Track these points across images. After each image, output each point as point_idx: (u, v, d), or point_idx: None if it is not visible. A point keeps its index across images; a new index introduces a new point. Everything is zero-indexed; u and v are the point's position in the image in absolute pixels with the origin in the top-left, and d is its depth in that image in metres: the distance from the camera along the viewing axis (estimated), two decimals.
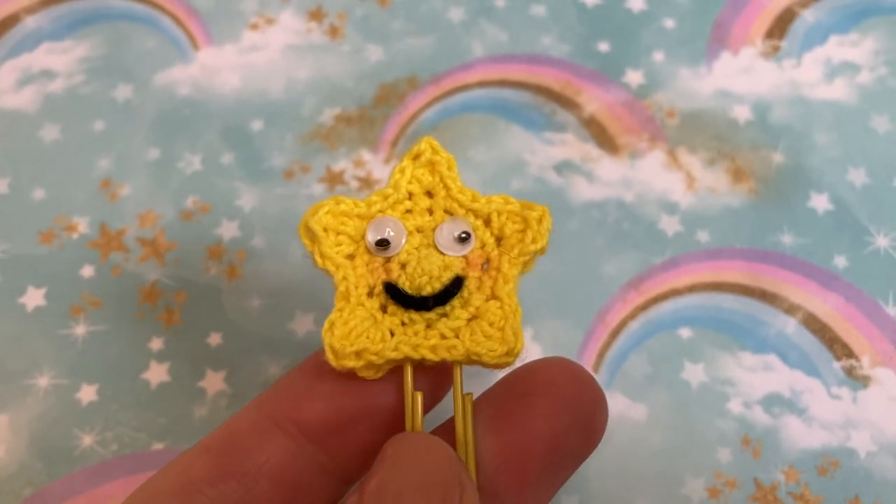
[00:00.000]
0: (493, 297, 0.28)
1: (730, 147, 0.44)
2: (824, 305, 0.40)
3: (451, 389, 0.27)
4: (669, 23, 0.47)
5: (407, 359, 0.27)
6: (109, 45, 0.46)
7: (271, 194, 0.42)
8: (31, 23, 0.47)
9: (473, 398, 0.27)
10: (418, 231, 0.28)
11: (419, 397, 0.27)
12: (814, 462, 0.37)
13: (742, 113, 0.44)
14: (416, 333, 0.27)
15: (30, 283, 0.40)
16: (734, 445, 0.37)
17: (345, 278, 0.27)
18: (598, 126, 0.44)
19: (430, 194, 0.29)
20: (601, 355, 0.39)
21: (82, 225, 0.41)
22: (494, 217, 0.28)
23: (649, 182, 0.43)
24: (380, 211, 0.28)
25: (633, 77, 0.45)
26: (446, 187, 0.29)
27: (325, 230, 0.27)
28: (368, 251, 0.28)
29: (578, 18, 0.47)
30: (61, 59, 0.46)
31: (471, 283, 0.28)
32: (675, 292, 0.40)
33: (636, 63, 0.46)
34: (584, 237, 0.41)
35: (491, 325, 0.27)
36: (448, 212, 0.29)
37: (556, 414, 0.27)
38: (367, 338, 0.27)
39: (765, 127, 0.44)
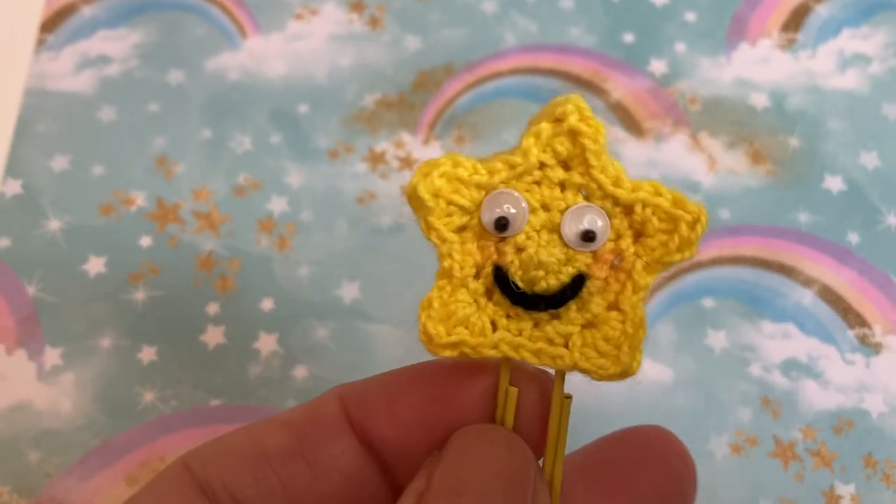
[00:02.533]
0: (616, 306, 0.24)
1: (749, 132, 0.46)
2: (838, 278, 0.42)
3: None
4: (690, 16, 0.49)
5: (506, 358, 0.24)
6: (161, 32, 0.49)
7: (317, 172, 0.45)
8: (87, 12, 0.49)
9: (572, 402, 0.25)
10: (543, 209, 0.23)
11: (514, 394, 0.24)
12: (829, 422, 0.39)
13: (760, 100, 0.47)
14: (520, 332, 0.23)
15: (91, 252, 0.43)
16: (755, 406, 0.39)
17: (450, 255, 0.23)
18: (624, 111, 0.47)
19: (566, 166, 0.24)
20: None
21: (140, 199, 0.44)
22: (638, 209, 0.24)
23: (674, 163, 0.45)
24: (502, 182, 0.23)
25: (657, 66, 0.48)
26: (587, 163, 0.23)
27: (437, 196, 0.23)
28: (482, 226, 0.23)
29: (604, 11, 0.50)
30: (116, 45, 0.48)
31: (593, 284, 0.23)
32: (699, 265, 0.43)
33: (659, 53, 0.48)
34: None
35: (607, 340, 0.23)
36: (584, 192, 0.24)
37: (660, 486, 0.27)
38: (467, 328, 0.23)
39: (781, 113, 0.47)
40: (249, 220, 0.44)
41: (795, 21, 0.49)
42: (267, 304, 0.41)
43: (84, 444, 0.38)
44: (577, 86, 0.47)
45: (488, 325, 0.23)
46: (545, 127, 0.24)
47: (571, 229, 0.23)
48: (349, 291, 0.42)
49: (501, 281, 0.23)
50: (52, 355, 0.40)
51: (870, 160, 0.45)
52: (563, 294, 0.23)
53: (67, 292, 0.42)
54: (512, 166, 0.23)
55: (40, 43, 0.48)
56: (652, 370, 0.40)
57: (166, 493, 0.24)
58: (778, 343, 0.41)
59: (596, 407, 0.39)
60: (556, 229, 0.23)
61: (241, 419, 0.39)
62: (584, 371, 0.24)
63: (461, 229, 0.24)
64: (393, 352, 0.40)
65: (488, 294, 0.24)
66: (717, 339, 0.41)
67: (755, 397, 0.39)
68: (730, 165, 0.45)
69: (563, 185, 0.24)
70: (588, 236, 0.23)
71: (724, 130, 0.46)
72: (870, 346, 0.40)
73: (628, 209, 0.24)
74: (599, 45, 0.48)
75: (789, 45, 0.48)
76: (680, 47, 0.48)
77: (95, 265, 0.42)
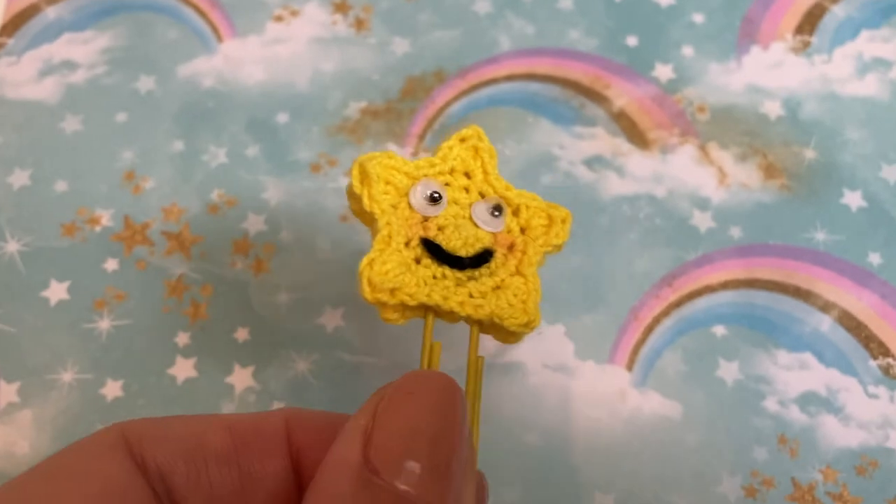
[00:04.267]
0: (518, 273, 0.29)
1: (761, 142, 0.43)
2: (859, 303, 0.39)
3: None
4: (698, 17, 0.46)
5: (433, 309, 0.29)
6: (131, 36, 0.45)
7: (298, 187, 0.42)
8: (51, 13, 0.46)
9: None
10: (455, 203, 0.30)
11: (438, 346, 0.28)
12: (852, 462, 0.36)
13: (773, 108, 0.44)
14: (446, 288, 0.29)
15: (52, 277, 0.39)
16: (770, 444, 0.36)
17: (388, 223, 0.29)
18: (628, 120, 0.43)
19: (468, 175, 0.31)
20: (635, 352, 0.38)
21: (105, 217, 0.41)
22: (523, 209, 0.30)
23: (681, 177, 0.42)
24: (425, 175, 0.30)
25: (663, 71, 0.45)
26: (485, 172, 0.31)
27: (378, 176, 0.29)
28: (410, 207, 0.29)
29: (606, 12, 0.46)
30: (82, 49, 0.45)
31: (497, 259, 0.30)
32: (709, 289, 0.39)
33: (665, 57, 0.45)
34: (615, 232, 0.41)
35: (515, 295, 0.29)
36: (482, 194, 0.31)
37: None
38: (403, 280, 0.28)
39: (796, 122, 0.43)
40: (223, 241, 0.40)
41: (810, 22, 0.46)
42: (242, 334, 0.38)
43: None
44: (577, 93, 0.44)
45: (421, 283, 0.28)
46: (455, 142, 0.31)
47: (483, 208, 0.30)
48: (332, 319, 0.38)
49: (431, 247, 0.29)
50: (8, 391, 0.37)
51: (891, 173, 0.42)
52: (480, 258, 0.29)
53: (25, 321, 0.38)
54: (432, 165, 0.30)
55: (0, 47, 0.45)
56: (659, 404, 0.37)
57: (100, 455, 0.24)
58: (795, 374, 0.38)
59: (600, 447, 0.36)
60: (467, 217, 0.30)
61: None
62: (499, 319, 0.28)
63: (394, 207, 0.29)
64: (379, 386, 0.37)
65: (417, 261, 0.29)
66: (730, 371, 0.38)
67: (771, 435, 0.36)
68: (741, 179, 0.42)
69: (467, 189, 0.30)
70: (497, 209, 0.30)
71: (735, 141, 0.43)
72: (894, 378, 0.37)
73: (516, 210, 0.30)
74: (601, 49, 0.45)
75: (804, 49, 0.45)
76: (687, 51, 0.45)
77: (57, 291, 0.39)
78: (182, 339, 0.38)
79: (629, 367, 0.38)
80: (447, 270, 0.29)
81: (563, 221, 0.31)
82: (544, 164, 0.42)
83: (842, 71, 0.45)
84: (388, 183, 0.29)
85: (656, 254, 0.40)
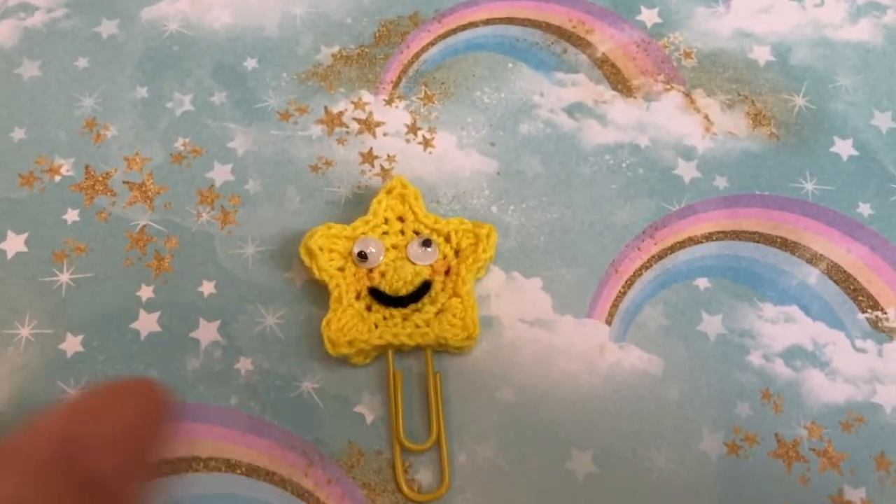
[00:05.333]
0: (455, 295, 0.35)
1: (749, 90, 0.41)
2: (848, 255, 0.38)
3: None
4: None
5: (389, 345, 0.34)
6: None
7: (266, 136, 0.40)
8: None
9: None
10: (394, 248, 0.36)
11: (399, 376, 0.34)
12: (837, 417, 0.35)
13: (762, 54, 0.42)
14: (395, 325, 0.35)
15: (9, 228, 0.38)
16: (754, 400, 0.35)
17: (337, 286, 0.35)
18: (611, 67, 0.42)
19: (401, 219, 0.37)
20: (615, 306, 0.37)
21: (65, 167, 0.39)
22: (453, 234, 0.36)
23: (665, 126, 0.40)
24: (363, 233, 0.36)
25: (648, 15, 0.43)
26: (414, 213, 0.36)
27: (321, 249, 0.35)
28: (355, 264, 0.35)
29: None
30: None
31: (436, 286, 0.35)
32: (692, 241, 0.38)
33: (650, 1, 0.43)
34: (596, 183, 0.39)
35: (454, 316, 0.35)
36: (416, 232, 0.36)
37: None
38: (357, 330, 0.34)
39: (786, 69, 0.42)
40: (188, 191, 0.39)
41: None
42: (207, 288, 0.37)
43: None
44: (559, 38, 0.42)
45: (373, 327, 0.35)
46: (383, 196, 0.37)
47: (415, 249, 0.36)
48: (300, 273, 0.37)
49: (376, 294, 0.35)
50: None
51: (884, 121, 0.40)
52: (418, 293, 0.35)
53: None
54: (366, 222, 0.36)
55: None
56: (639, 359, 0.36)
57: None
58: (780, 328, 0.36)
59: (577, 403, 0.35)
60: (405, 258, 0.36)
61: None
62: (444, 340, 0.34)
63: (341, 269, 0.35)
64: None
65: (368, 308, 0.35)
66: (713, 325, 0.36)
67: (754, 390, 0.35)
68: (728, 128, 0.40)
69: (402, 232, 0.36)
70: (426, 242, 0.36)
71: (722, 88, 0.41)
72: (883, 332, 0.36)
73: (447, 237, 0.36)
74: None
75: None
76: None
77: (14, 243, 0.37)
78: (145, 292, 0.37)
79: (609, 322, 0.36)
80: (393, 310, 0.35)
81: (488, 236, 0.36)
82: (524, 112, 0.41)
83: (834, 15, 0.43)
84: (331, 251, 0.35)
85: (638, 205, 0.39)
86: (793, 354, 0.36)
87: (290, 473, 0.33)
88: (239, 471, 0.33)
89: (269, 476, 0.33)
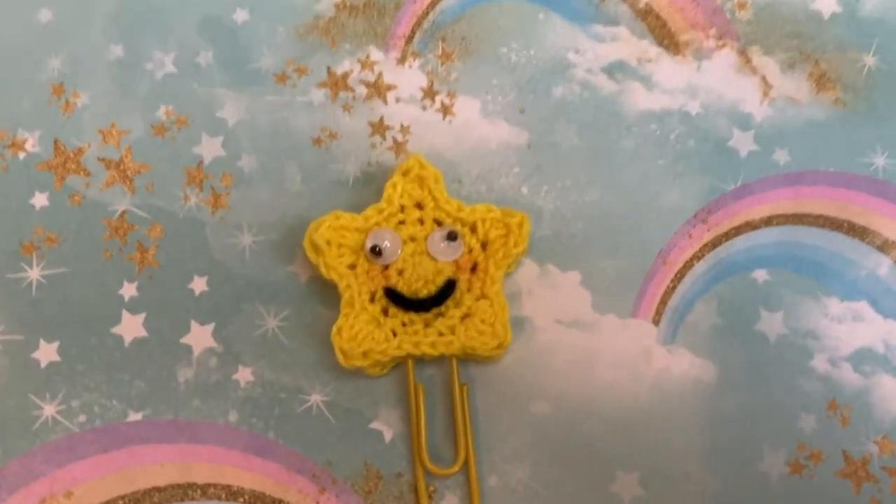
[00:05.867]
0: (483, 296, 0.31)
1: (812, 47, 0.36)
2: None
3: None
4: None
5: (409, 355, 0.31)
6: None
7: (260, 103, 0.35)
8: None
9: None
10: (412, 240, 0.32)
11: (421, 388, 0.31)
12: None
13: (827, 5, 0.37)
14: (416, 332, 0.31)
15: None
16: (819, 411, 0.32)
17: (348, 286, 0.31)
18: (656, 19, 0.37)
19: (420, 206, 0.32)
20: (663, 303, 0.33)
21: (31, 142, 0.35)
22: (479, 224, 0.32)
23: (718, 89, 0.36)
24: (376, 224, 0.32)
25: None
26: (434, 199, 0.32)
27: (329, 243, 0.31)
28: (368, 260, 0.31)
29: None
30: None
31: (462, 285, 0.31)
32: (749, 226, 0.34)
33: None
34: (641, 158, 0.34)
35: (483, 321, 0.31)
36: (437, 221, 0.32)
37: None
38: (373, 339, 0.30)
39: (854, 22, 0.37)
40: (173, 170, 0.34)
41: None
42: (199, 285, 0.33)
43: None
44: None
45: (390, 335, 0.31)
46: (398, 179, 0.32)
47: (437, 242, 0.31)
48: (306, 266, 0.33)
49: (393, 296, 0.31)
50: None
51: None
52: (441, 295, 0.31)
53: None
54: (380, 211, 0.32)
55: None
56: (690, 365, 0.32)
57: None
58: (848, 328, 0.33)
59: (621, 418, 0.31)
60: (424, 253, 0.32)
61: (168, 438, 0.31)
62: (471, 350, 0.31)
63: (352, 267, 0.31)
64: None
65: (384, 312, 0.31)
66: (773, 324, 0.33)
67: (820, 400, 0.32)
68: (788, 92, 0.36)
69: (421, 221, 0.32)
70: (451, 236, 0.31)
71: (782, 45, 0.36)
72: None
73: (473, 227, 0.32)
74: None
75: None
76: None
77: None
78: (128, 290, 0.33)
79: (656, 322, 0.33)
80: (413, 315, 0.31)
81: (520, 226, 0.32)
82: (557, 72, 0.36)
83: None
84: (340, 246, 0.31)
85: (689, 184, 0.34)
86: (862, 358, 0.32)
87: (299, 501, 0.30)
88: (241, 499, 0.30)
89: None
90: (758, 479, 0.31)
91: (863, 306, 0.33)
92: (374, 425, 0.31)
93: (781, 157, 0.35)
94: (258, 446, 0.31)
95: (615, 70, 0.36)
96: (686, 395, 0.32)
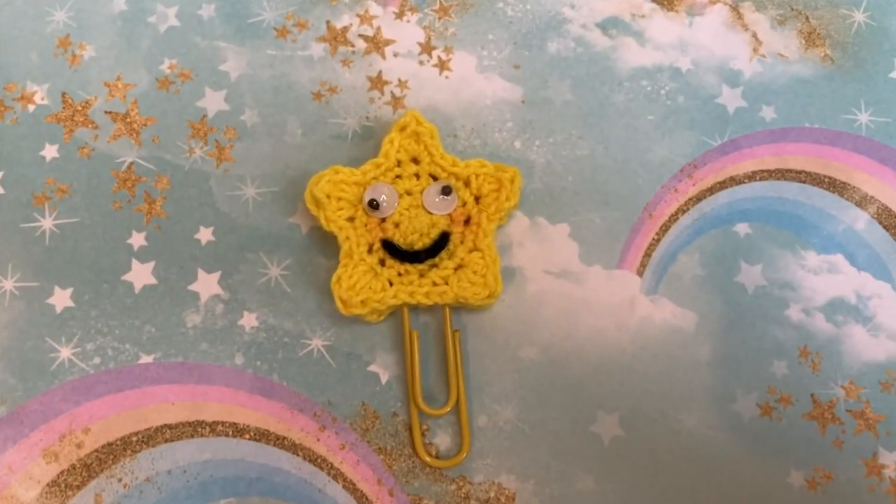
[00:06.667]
0: (475, 248, 0.32)
1: (804, 3, 0.37)
2: None
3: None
4: None
5: (405, 304, 0.32)
6: None
7: (262, 57, 0.36)
8: None
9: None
10: (408, 194, 0.33)
11: (415, 335, 0.32)
12: (877, 376, 0.33)
13: None
14: (411, 282, 0.32)
15: None
16: (791, 358, 0.33)
17: (347, 238, 0.32)
18: None
19: (416, 161, 0.33)
20: (647, 255, 0.34)
21: (39, 94, 0.35)
22: (473, 179, 0.33)
23: (709, 46, 0.36)
24: (374, 178, 0.33)
25: None
26: (430, 154, 0.33)
27: (329, 196, 0.32)
28: (366, 213, 0.32)
29: None
30: None
31: (455, 238, 0.32)
32: (734, 181, 0.35)
33: None
34: (632, 113, 0.35)
35: (475, 272, 0.32)
36: (432, 176, 0.33)
37: None
38: (370, 288, 0.32)
39: None
40: (178, 123, 0.35)
41: None
42: (205, 235, 0.34)
43: None
44: None
45: (387, 285, 0.32)
46: (395, 135, 0.33)
47: (432, 196, 0.32)
48: (307, 218, 0.34)
49: (390, 248, 0.32)
50: None
51: None
52: (436, 247, 0.32)
53: None
54: (377, 166, 0.33)
55: None
56: (671, 314, 0.33)
57: None
58: (823, 279, 0.34)
59: (604, 363, 0.33)
60: (420, 206, 0.33)
61: (178, 379, 0.32)
62: (463, 299, 0.32)
63: (351, 219, 0.32)
64: None
65: (381, 263, 0.32)
66: (752, 275, 0.34)
67: (792, 347, 0.33)
68: (778, 48, 0.36)
69: (417, 175, 0.33)
70: (445, 190, 0.32)
71: (774, 1, 0.37)
72: None
73: (467, 182, 0.33)
74: None
75: None
76: None
77: None
78: (137, 240, 0.34)
79: (640, 273, 0.34)
80: (409, 266, 0.32)
81: (512, 181, 0.32)
82: (552, 27, 0.36)
83: None
84: (339, 199, 0.32)
85: (677, 139, 0.35)
86: (835, 308, 0.34)
87: (301, 438, 0.32)
88: (247, 435, 0.32)
89: (279, 441, 0.32)
90: (730, 420, 0.32)
91: (839, 259, 0.34)
92: (372, 368, 0.32)
93: (768, 113, 0.36)
94: (263, 387, 0.32)
95: (609, 25, 0.37)
96: (666, 342, 0.33)
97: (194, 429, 0.32)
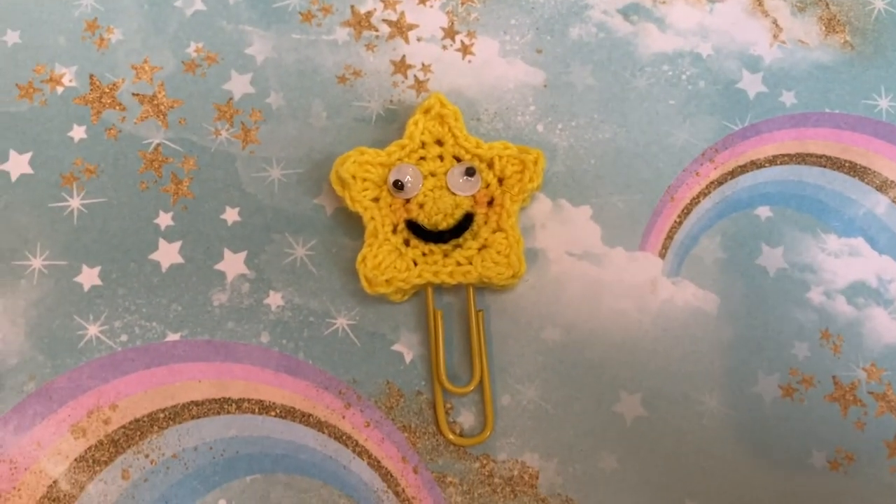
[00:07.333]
0: (499, 229, 0.33)
1: None
2: None
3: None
4: None
5: (429, 283, 0.32)
6: None
7: (287, 41, 0.36)
8: None
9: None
10: (432, 175, 0.33)
11: (439, 314, 0.32)
12: None
13: None
14: (435, 262, 0.32)
15: (11, 147, 0.34)
16: (812, 340, 0.33)
17: (372, 218, 0.32)
18: None
19: (440, 143, 0.33)
20: (669, 237, 0.34)
21: (67, 76, 0.35)
22: (496, 160, 0.33)
23: (730, 32, 0.37)
24: (398, 159, 0.33)
25: None
26: (454, 136, 0.33)
27: (354, 177, 0.32)
28: (391, 194, 0.33)
29: None
30: None
31: (479, 219, 0.33)
32: (755, 165, 0.35)
33: None
34: (653, 98, 0.36)
35: (498, 253, 0.32)
36: (456, 157, 0.33)
37: None
38: (395, 268, 0.32)
39: None
40: (204, 105, 0.35)
41: None
42: (231, 215, 0.34)
43: (18, 387, 0.32)
44: None
45: (411, 264, 0.32)
46: (420, 117, 0.33)
47: (456, 177, 0.33)
48: (331, 199, 0.34)
49: (414, 228, 0.33)
50: None
51: None
52: (460, 227, 0.33)
53: None
54: (402, 147, 0.33)
55: None
56: (693, 296, 0.34)
57: None
58: (844, 262, 0.34)
59: (626, 344, 0.33)
60: (444, 187, 0.33)
61: (205, 357, 0.32)
62: (487, 279, 0.32)
63: (376, 200, 0.33)
64: None
65: (406, 243, 0.33)
66: (773, 258, 0.34)
67: (813, 329, 0.33)
68: (798, 35, 0.37)
69: (441, 157, 0.33)
70: (469, 171, 0.33)
71: None
72: None
73: (490, 163, 0.33)
74: None
75: None
76: None
77: (18, 164, 0.34)
78: (164, 220, 0.34)
79: (662, 255, 0.34)
80: (433, 246, 0.32)
81: (535, 163, 0.33)
82: (574, 13, 0.37)
83: None
84: (365, 180, 0.32)
85: (699, 123, 0.35)
86: (856, 291, 0.34)
87: (326, 416, 0.32)
88: (273, 413, 0.32)
89: (304, 418, 0.32)
90: (752, 402, 0.33)
91: (859, 242, 0.35)
92: (396, 347, 0.33)
93: (788, 98, 0.36)
94: (289, 365, 0.32)
95: (630, 11, 0.37)
96: (688, 324, 0.33)
97: (221, 406, 0.32)
